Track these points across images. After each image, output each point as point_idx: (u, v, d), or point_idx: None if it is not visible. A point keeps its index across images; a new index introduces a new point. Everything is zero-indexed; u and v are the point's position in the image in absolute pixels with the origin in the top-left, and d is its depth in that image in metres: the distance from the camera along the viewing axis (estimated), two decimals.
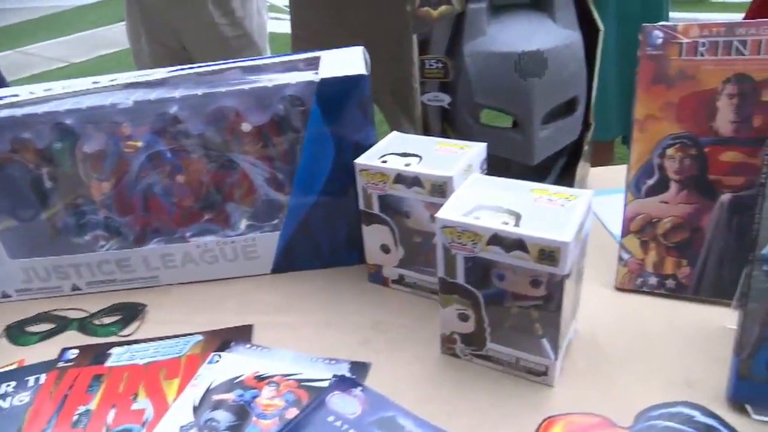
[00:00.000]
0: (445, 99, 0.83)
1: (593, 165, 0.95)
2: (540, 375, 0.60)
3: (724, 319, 0.64)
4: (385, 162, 0.67)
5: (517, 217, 0.55)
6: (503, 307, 0.62)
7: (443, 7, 0.78)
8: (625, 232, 0.71)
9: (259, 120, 0.73)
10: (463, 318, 0.61)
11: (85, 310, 0.76)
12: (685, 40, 0.65)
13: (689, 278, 0.69)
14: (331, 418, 0.57)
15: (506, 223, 0.54)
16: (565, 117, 0.82)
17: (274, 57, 0.79)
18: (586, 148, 0.87)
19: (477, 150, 0.68)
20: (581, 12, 0.81)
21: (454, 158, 0.66)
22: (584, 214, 0.55)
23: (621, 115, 1.42)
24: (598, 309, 0.69)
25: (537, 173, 0.85)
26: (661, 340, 0.64)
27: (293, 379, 0.63)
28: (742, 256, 0.55)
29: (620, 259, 0.72)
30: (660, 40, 0.66)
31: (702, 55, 0.64)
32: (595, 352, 0.64)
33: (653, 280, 0.71)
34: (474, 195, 0.59)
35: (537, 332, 0.60)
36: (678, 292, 0.70)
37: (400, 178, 0.65)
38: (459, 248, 0.56)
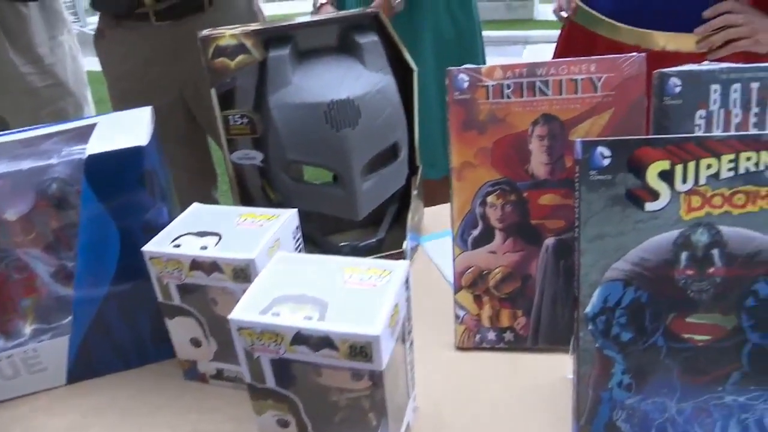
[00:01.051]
0: (258, 156, 0.74)
1: (429, 204, 0.91)
2: None
3: (566, 367, 0.60)
4: (178, 246, 0.57)
5: (324, 306, 0.47)
6: (329, 401, 0.54)
7: (241, 57, 0.70)
8: (458, 287, 0.66)
9: (23, 208, 0.60)
10: (283, 424, 0.52)
11: None
12: (491, 83, 0.61)
13: (526, 329, 0.66)
14: None
15: (310, 318, 0.46)
16: (389, 164, 0.77)
17: (52, 126, 0.66)
18: (415, 192, 0.82)
19: (286, 219, 0.59)
20: (392, 53, 0.76)
21: (258, 234, 0.57)
22: (398, 293, 0.49)
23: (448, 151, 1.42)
24: (440, 376, 0.64)
25: (369, 224, 0.79)
26: (506, 403, 0.60)
27: None
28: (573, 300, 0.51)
29: (456, 317, 0.67)
30: (466, 84, 0.62)
31: (509, 97, 0.61)
32: (440, 428, 0.58)
33: (492, 335, 0.67)
34: (277, 282, 0.51)
35: (371, 423, 0.53)
36: (517, 344, 0.66)
37: (197, 264, 0.55)
38: (262, 350, 0.48)
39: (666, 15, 1.02)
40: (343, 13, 0.75)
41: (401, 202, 0.82)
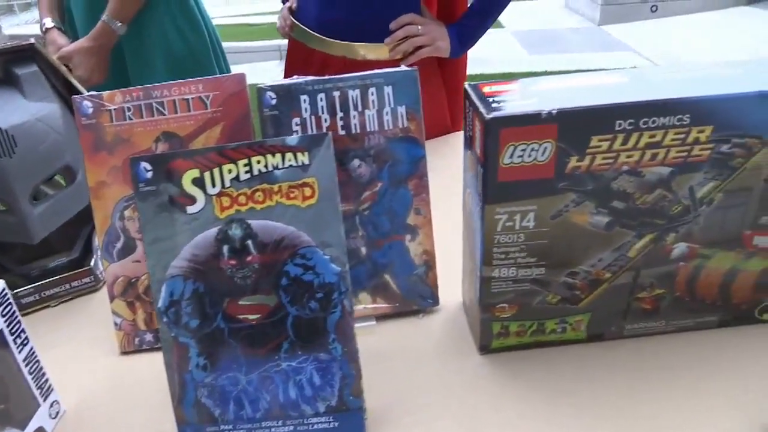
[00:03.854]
0: None
1: None
2: None
3: None
4: None
5: None
6: None
7: None
8: (111, 297, 0.71)
9: None
10: None
11: None
12: (113, 107, 0.67)
13: None
14: None
15: None
16: (66, 187, 0.80)
17: None
18: None
19: None
20: (63, 82, 0.80)
21: None
22: None
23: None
24: (98, 378, 0.68)
25: (58, 246, 0.82)
26: (152, 398, 0.65)
27: None
28: None
29: (115, 324, 0.72)
30: (91, 110, 0.67)
31: (130, 118, 0.67)
32: (80, 427, 0.63)
33: (150, 337, 0.72)
34: None
35: None
36: None
37: None
38: None
39: (362, 28, 1.13)
40: (1, 46, 0.77)
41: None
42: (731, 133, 0.56)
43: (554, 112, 0.53)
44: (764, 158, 0.58)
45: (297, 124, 0.68)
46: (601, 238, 0.61)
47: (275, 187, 0.53)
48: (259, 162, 0.53)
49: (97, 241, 0.70)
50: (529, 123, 0.54)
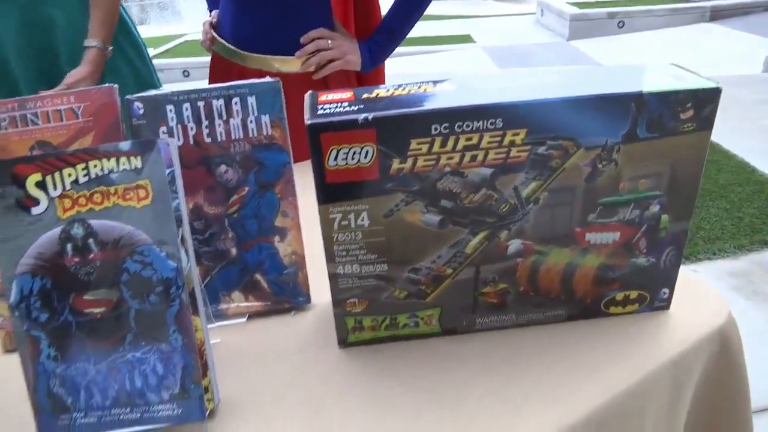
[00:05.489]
0: None
1: None
2: None
3: None
4: None
5: None
6: None
7: None
8: None
9: None
10: None
11: None
12: None
13: None
14: None
15: None
16: None
17: None
18: None
19: None
20: None
21: None
22: None
23: None
24: None
25: None
26: (17, 394, 0.68)
27: None
28: None
29: None
30: None
31: (6, 128, 0.71)
32: None
33: None
34: None
35: None
36: None
37: None
38: None
39: (276, 42, 1.18)
40: None
41: None
42: (545, 136, 0.62)
43: (370, 117, 0.59)
44: (581, 159, 0.64)
45: (164, 132, 0.73)
46: (436, 235, 0.66)
47: (112, 189, 0.58)
48: (95, 166, 0.58)
49: None
50: (347, 128, 0.59)
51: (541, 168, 0.64)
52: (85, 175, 0.59)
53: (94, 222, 0.59)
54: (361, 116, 0.59)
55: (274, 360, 0.72)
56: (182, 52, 6.03)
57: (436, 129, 0.61)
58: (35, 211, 0.59)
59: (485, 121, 0.61)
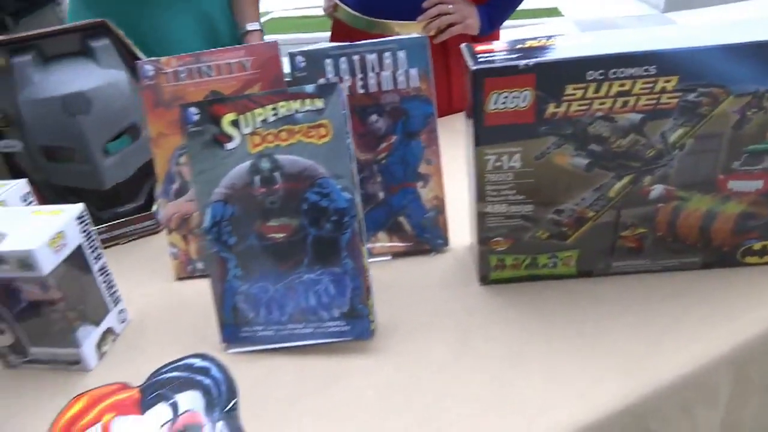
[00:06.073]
0: (17, 145, 0.93)
1: None
2: (75, 364, 0.72)
3: None
4: None
5: (3, 236, 0.67)
6: (43, 314, 0.72)
7: None
8: (169, 230, 0.87)
9: None
10: (1, 332, 0.71)
11: None
12: (169, 70, 0.82)
13: None
14: None
15: None
16: (132, 143, 0.96)
17: None
18: None
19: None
20: (129, 54, 0.96)
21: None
22: (66, 224, 0.69)
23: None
24: (155, 298, 0.84)
25: (125, 196, 0.99)
26: (198, 312, 0.80)
27: None
28: None
29: (171, 254, 0.87)
30: (152, 73, 0.82)
31: (183, 80, 0.82)
32: (142, 332, 0.79)
33: (200, 265, 0.87)
34: None
35: (73, 326, 0.72)
36: None
37: None
38: None
39: (398, 7, 1.25)
40: (80, 23, 0.94)
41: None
42: (696, 83, 0.66)
43: (531, 63, 0.64)
44: (731, 106, 0.67)
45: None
46: (582, 178, 0.71)
47: (296, 128, 0.67)
48: (283, 107, 0.66)
49: (158, 183, 0.85)
50: (509, 73, 0.65)
51: (690, 114, 0.68)
52: (273, 115, 0.67)
53: (280, 156, 0.68)
54: (522, 62, 0.65)
55: (419, 294, 0.80)
56: (269, 29, 6.22)
57: (591, 75, 0.66)
58: (229, 146, 0.69)
59: (639, 68, 0.65)
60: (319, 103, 0.67)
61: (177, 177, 0.86)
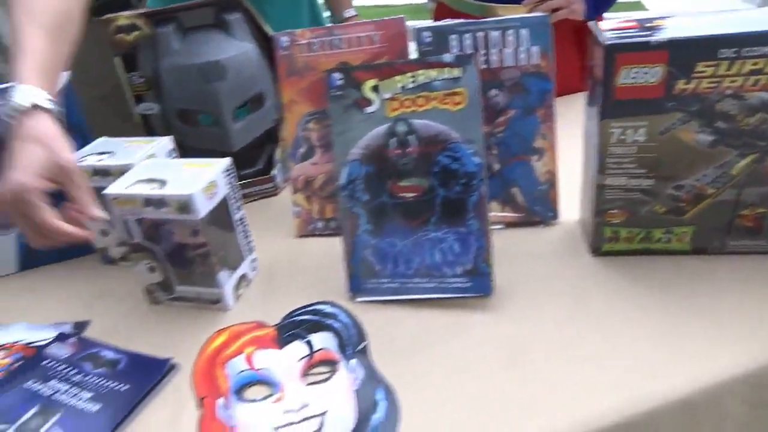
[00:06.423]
0: (155, 107, 1.02)
1: None
2: (216, 303, 0.81)
3: None
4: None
5: (164, 183, 0.76)
6: (189, 257, 0.81)
7: (136, 33, 0.99)
8: (294, 191, 0.94)
9: None
10: (152, 270, 0.81)
11: None
12: (303, 41, 0.89)
13: None
14: (45, 361, 0.75)
15: (154, 188, 0.74)
16: (257, 111, 1.05)
17: None
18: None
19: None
20: (257, 28, 1.04)
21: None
22: (216, 174, 0.77)
23: None
24: (281, 251, 0.92)
25: (247, 160, 1.07)
26: (320, 266, 0.87)
27: (22, 343, 0.79)
28: None
29: (294, 213, 0.95)
30: (287, 43, 0.90)
31: (316, 51, 0.89)
32: (270, 279, 0.87)
33: (320, 225, 0.95)
34: (137, 173, 0.79)
35: (214, 269, 0.81)
36: (339, 230, 0.94)
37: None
38: (128, 214, 0.76)
39: None
40: None
41: (275, 141, 1.10)
42: None
43: (664, 40, 0.68)
44: None
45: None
46: (706, 155, 0.74)
47: (433, 95, 0.72)
48: (422, 75, 0.72)
49: (281, 149, 0.92)
50: (640, 49, 0.68)
51: None
52: (412, 82, 0.73)
53: (415, 121, 0.74)
54: (654, 39, 0.68)
55: (532, 261, 0.84)
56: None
57: (723, 53, 0.68)
58: (368, 110, 0.75)
59: None
60: (456, 72, 0.72)
61: (304, 141, 0.93)
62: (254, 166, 1.08)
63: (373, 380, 0.67)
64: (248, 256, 0.86)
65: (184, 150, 1.06)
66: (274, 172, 1.07)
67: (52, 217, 0.67)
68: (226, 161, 0.80)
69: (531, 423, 0.61)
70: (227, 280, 0.81)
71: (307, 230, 0.95)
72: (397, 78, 0.73)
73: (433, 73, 0.73)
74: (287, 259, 0.91)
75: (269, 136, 1.09)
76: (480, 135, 0.73)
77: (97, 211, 0.72)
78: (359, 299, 0.79)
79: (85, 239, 0.72)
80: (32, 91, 0.70)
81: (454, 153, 0.73)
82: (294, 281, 0.86)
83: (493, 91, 0.87)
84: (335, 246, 0.90)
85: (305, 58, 0.91)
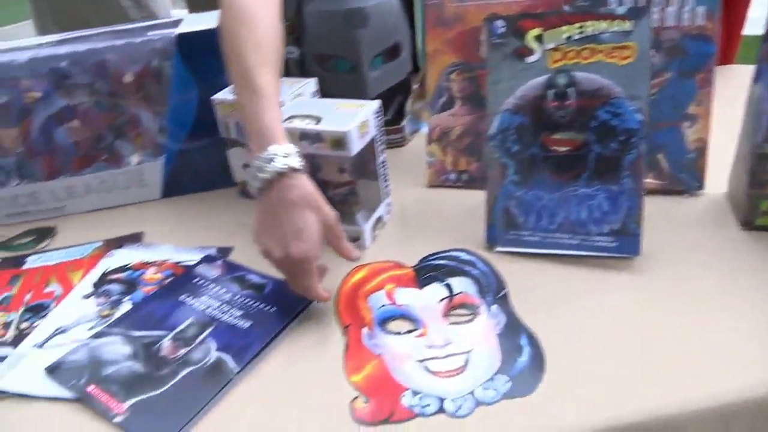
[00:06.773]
0: (295, 52, 1.06)
1: None
2: (356, 240, 0.84)
3: None
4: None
5: (319, 119, 0.79)
6: (332, 194, 0.83)
7: None
8: (429, 141, 0.96)
9: (134, 70, 0.95)
10: None
11: (3, 235, 0.96)
12: None
13: (477, 172, 0.94)
14: (196, 279, 0.80)
15: (309, 124, 0.78)
16: (392, 60, 1.06)
17: (141, 22, 1.01)
18: (416, 86, 1.11)
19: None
20: None
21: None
22: (367, 116, 0.79)
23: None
24: (412, 199, 0.94)
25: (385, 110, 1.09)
26: (454, 215, 0.89)
27: (171, 262, 0.85)
28: None
29: (428, 163, 0.96)
30: None
31: (466, 1, 0.89)
32: (404, 224, 0.89)
33: (453, 176, 0.96)
34: (292, 109, 0.83)
35: (354, 209, 0.84)
36: (470, 183, 0.95)
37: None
38: None
39: None
40: None
41: (406, 93, 1.12)
42: None
43: None
44: None
45: None
46: None
47: (600, 47, 0.71)
48: (590, 26, 0.71)
49: (412, 100, 0.94)
50: None
51: None
52: (579, 33, 0.73)
53: (577, 73, 0.73)
54: None
55: (677, 230, 0.82)
56: None
57: None
58: (529, 60, 0.75)
59: None
60: (627, 25, 0.71)
61: (445, 92, 0.94)
62: (384, 116, 1.10)
63: (516, 326, 0.68)
64: (385, 199, 0.88)
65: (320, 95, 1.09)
66: (404, 122, 1.09)
67: (318, 283, 0.71)
68: (376, 103, 0.82)
69: (663, 390, 0.60)
70: (366, 221, 0.83)
71: (439, 180, 0.97)
72: (564, 28, 0.73)
73: (603, 24, 0.72)
74: (419, 206, 0.93)
75: (400, 86, 1.10)
76: (646, 92, 0.71)
77: (357, 253, 0.76)
78: (499, 249, 0.80)
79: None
80: (286, 149, 0.69)
81: (615, 108, 0.72)
82: (427, 228, 0.88)
83: (650, 52, 0.85)
84: (467, 198, 0.92)
85: (455, 9, 0.91)
